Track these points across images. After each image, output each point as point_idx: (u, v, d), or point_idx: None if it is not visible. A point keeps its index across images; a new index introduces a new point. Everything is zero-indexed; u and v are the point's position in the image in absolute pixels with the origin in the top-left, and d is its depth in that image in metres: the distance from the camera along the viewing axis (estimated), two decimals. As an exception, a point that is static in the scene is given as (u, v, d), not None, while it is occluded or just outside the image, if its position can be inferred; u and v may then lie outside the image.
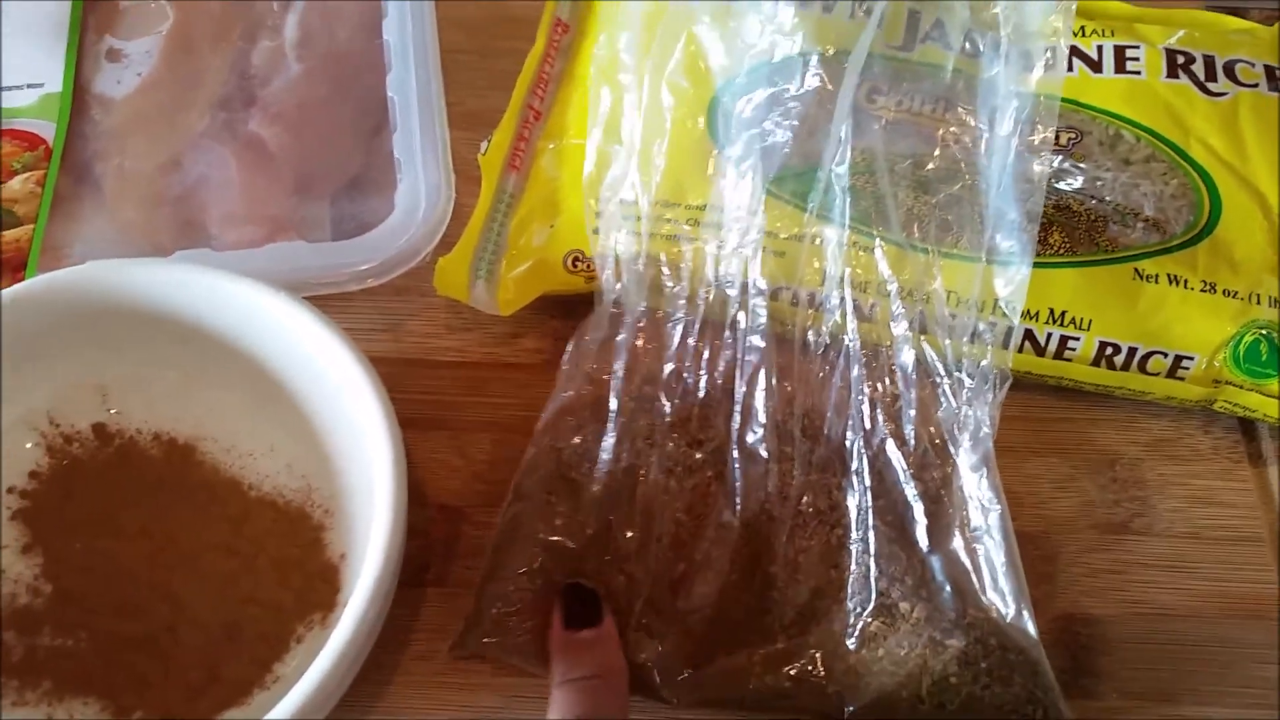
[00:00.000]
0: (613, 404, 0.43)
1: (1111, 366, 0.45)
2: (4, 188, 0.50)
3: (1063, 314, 0.45)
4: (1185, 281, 0.45)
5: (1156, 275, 0.45)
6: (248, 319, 0.42)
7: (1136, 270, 0.45)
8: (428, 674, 0.42)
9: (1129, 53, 0.49)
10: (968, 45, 0.46)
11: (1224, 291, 0.45)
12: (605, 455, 0.43)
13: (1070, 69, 0.48)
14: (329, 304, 0.44)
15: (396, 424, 0.39)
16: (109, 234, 0.49)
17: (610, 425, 0.43)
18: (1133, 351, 0.45)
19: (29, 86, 0.53)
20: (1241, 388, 0.45)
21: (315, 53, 0.53)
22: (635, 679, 0.40)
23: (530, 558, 0.41)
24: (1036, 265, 0.44)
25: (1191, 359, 0.45)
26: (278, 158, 0.50)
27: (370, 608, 0.36)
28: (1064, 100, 0.45)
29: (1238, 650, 0.43)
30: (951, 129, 0.45)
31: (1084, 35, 0.49)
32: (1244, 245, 0.45)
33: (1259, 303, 0.45)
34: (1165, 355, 0.45)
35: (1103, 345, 0.45)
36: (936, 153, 0.45)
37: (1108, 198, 0.46)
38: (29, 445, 0.44)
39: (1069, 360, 0.46)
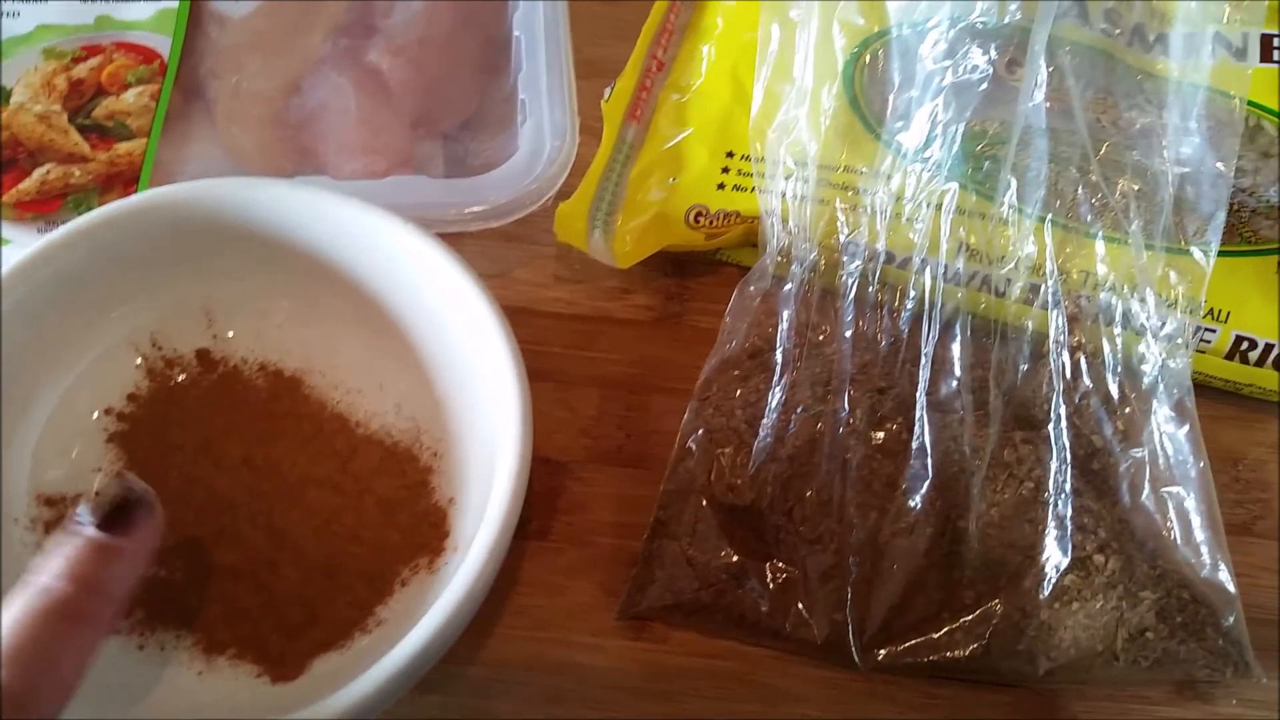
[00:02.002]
0: (780, 354, 0.42)
1: (1245, 361, 0.44)
2: (119, 100, 0.49)
3: (1202, 304, 0.43)
4: (1329, 279, 0.44)
5: (1300, 270, 0.44)
6: (371, 250, 0.41)
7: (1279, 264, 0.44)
8: (526, 628, 0.41)
9: (1276, 42, 0.47)
10: (1135, 29, 0.45)
11: (1369, 291, 0.44)
12: (778, 406, 0.41)
13: (1215, 57, 0.46)
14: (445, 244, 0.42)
15: (524, 371, 0.38)
16: (219, 155, 0.49)
17: (779, 375, 0.42)
18: (1269, 348, 0.44)
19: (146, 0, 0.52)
20: (1376, 393, 0.44)
21: (438, -14, 0.52)
22: (827, 643, 0.39)
23: (701, 514, 0.40)
24: (1176, 252, 0.43)
25: (1330, 360, 0.44)
26: (396, 91, 0.49)
27: (493, 553, 0.35)
28: (1215, 89, 0.44)
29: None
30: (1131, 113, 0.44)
31: (1231, 22, 0.48)
32: (1388, 244, 0.44)
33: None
34: (1303, 354, 0.44)
35: (1239, 339, 0.44)
36: (1116, 138, 0.43)
37: (1248, 188, 0.45)
38: (131, 365, 0.43)
39: (1203, 353, 0.44)
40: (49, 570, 0.30)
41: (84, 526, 0.31)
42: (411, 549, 0.40)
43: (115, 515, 0.32)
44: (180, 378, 0.43)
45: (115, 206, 0.40)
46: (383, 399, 0.43)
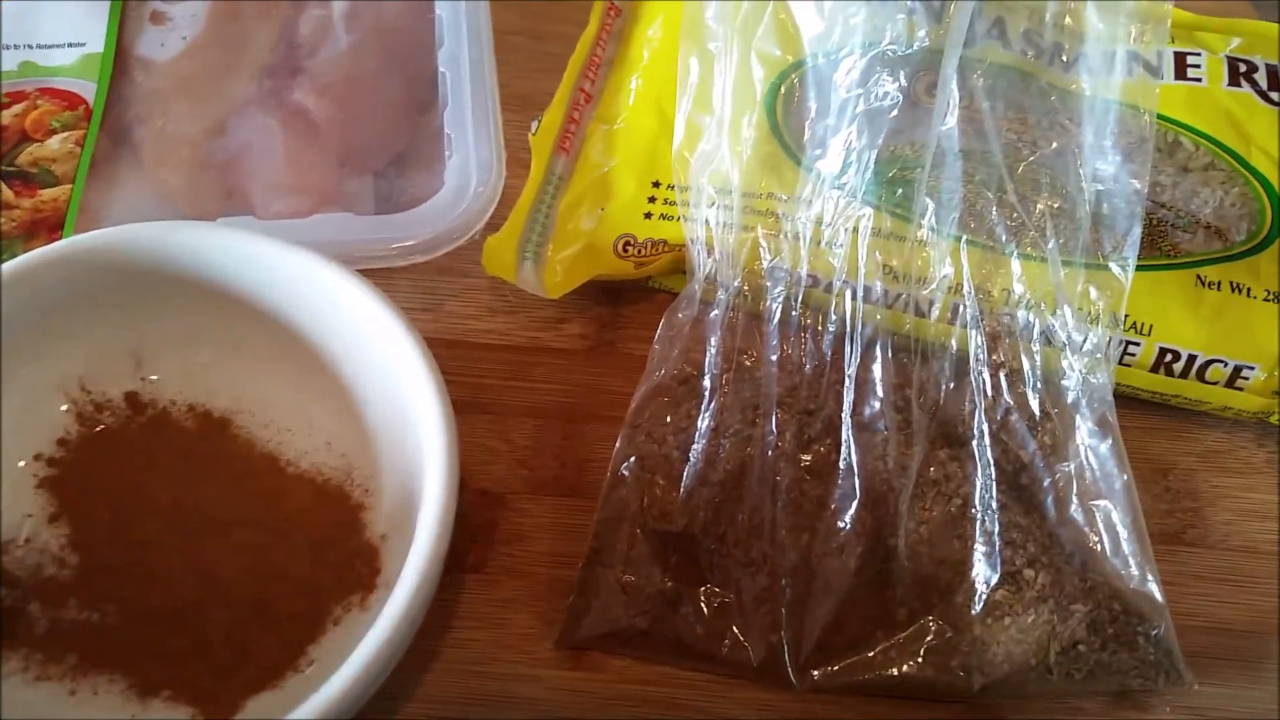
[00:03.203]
0: (708, 380, 0.42)
1: (1170, 374, 0.45)
2: (43, 146, 0.49)
3: (1124, 319, 0.44)
4: (1248, 290, 0.44)
5: (1219, 282, 0.45)
6: (296, 289, 0.41)
7: (1199, 276, 0.45)
8: (465, 662, 0.41)
9: (1190, 59, 0.48)
10: (1054, 49, 0.46)
11: (1287, 301, 0.44)
12: (708, 431, 0.41)
13: (1132, 74, 0.47)
14: (369, 280, 0.42)
15: (449, 402, 0.38)
16: (146, 198, 0.48)
17: (708, 400, 0.42)
18: (1192, 359, 0.44)
19: (70, 45, 0.52)
20: (1301, 401, 0.44)
21: (364, 25, 0.52)
22: (763, 665, 0.39)
23: (634, 541, 0.40)
24: (1095, 268, 0.43)
25: (1252, 369, 0.44)
26: (323, 129, 0.49)
27: (420, 589, 0.35)
28: (1128, 105, 0.45)
29: (1296, 667, 0.42)
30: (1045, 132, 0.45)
31: (1142, 41, 0.49)
32: (1308, 255, 0.45)
33: (1323, 313, 0.44)
34: (1225, 364, 0.44)
35: (1163, 351, 0.44)
36: (1032, 157, 0.44)
37: (1167, 203, 0.46)
38: (59, 410, 0.42)
39: (1128, 366, 0.45)
40: None
41: None
42: (344, 587, 0.40)
43: None
44: (110, 421, 0.43)
45: (38, 254, 0.40)
46: (313, 437, 0.43)
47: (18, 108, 0.50)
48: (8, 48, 0.52)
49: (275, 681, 0.38)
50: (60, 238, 0.46)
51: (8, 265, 0.39)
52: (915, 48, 0.44)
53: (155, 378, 0.43)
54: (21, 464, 0.41)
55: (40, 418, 0.42)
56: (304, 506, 0.41)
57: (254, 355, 0.43)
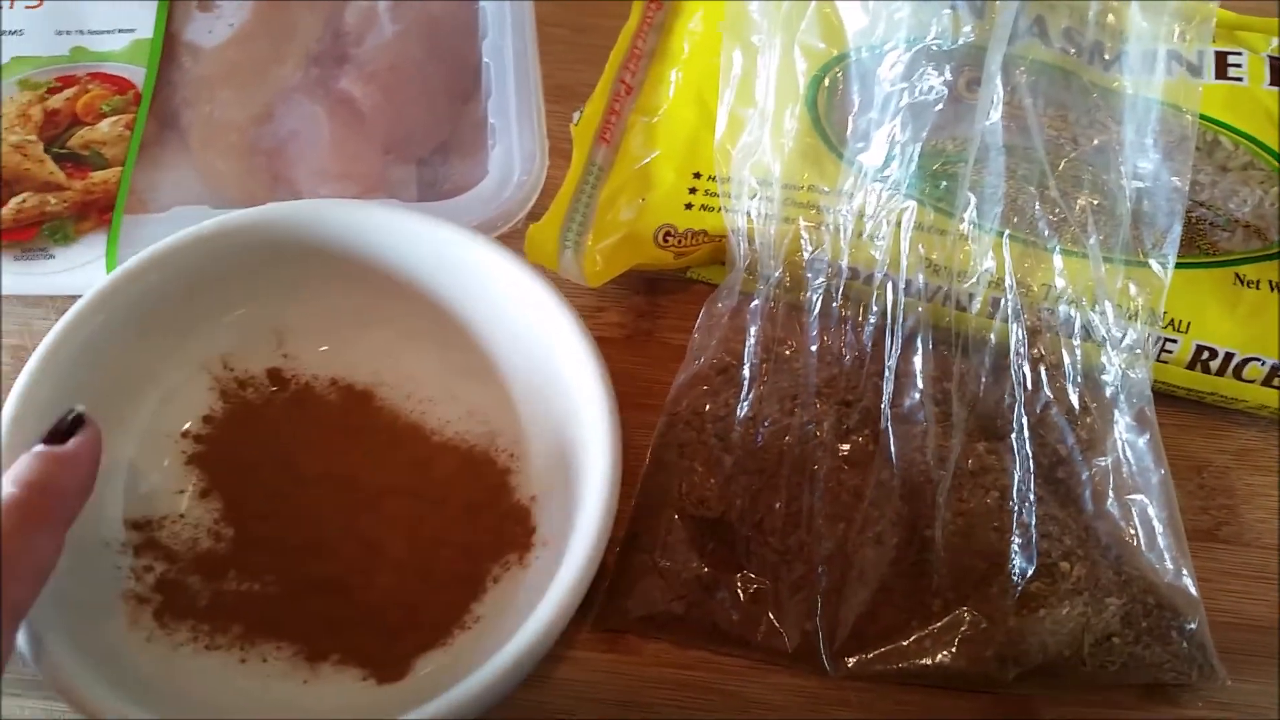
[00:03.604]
0: (747, 369, 0.43)
1: (1207, 371, 0.45)
2: (94, 129, 0.49)
3: (1163, 315, 0.44)
4: (1287, 289, 0.45)
5: (1257, 281, 0.45)
6: (437, 264, 0.42)
7: (1237, 275, 0.45)
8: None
9: (1230, 59, 0.48)
10: (1095, 48, 0.46)
11: (1325, 301, 0.44)
12: (745, 419, 0.42)
13: (1172, 74, 0.47)
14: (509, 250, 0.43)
15: (603, 361, 0.39)
16: (194, 182, 0.49)
17: (747, 389, 0.42)
18: (1229, 357, 0.44)
19: (120, 31, 0.52)
20: (1336, 400, 0.45)
21: (409, 15, 0.53)
22: (798, 651, 0.39)
23: (672, 527, 0.41)
24: (1135, 265, 0.43)
25: (1288, 368, 0.44)
26: (369, 117, 0.50)
27: (596, 548, 0.36)
28: (1169, 104, 0.45)
29: (1328, 665, 0.42)
30: (1087, 129, 0.45)
31: (1184, 40, 0.49)
32: (1346, 256, 0.45)
33: (1359, 313, 0.44)
34: (1262, 363, 0.44)
35: (1200, 349, 0.44)
36: (1074, 153, 0.44)
37: (1206, 201, 0.46)
38: (204, 387, 0.43)
39: (1165, 363, 0.45)
40: (15, 475, 0.33)
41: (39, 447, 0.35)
42: (500, 547, 0.41)
43: (60, 434, 0.35)
44: (253, 397, 0.44)
45: (184, 234, 0.41)
46: (454, 406, 0.44)
47: (69, 92, 0.51)
48: (59, 33, 0.53)
49: (444, 640, 0.39)
50: (110, 219, 0.47)
51: (153, 247, 0.41)
52: (960, 43, 0.44)
53: (299, 353, 0.45)
54: (174, 440, 0.42)
55: (187, 395, 0.43)
56: (452, 473, 0.42)
57: (393, 330, 0.45)
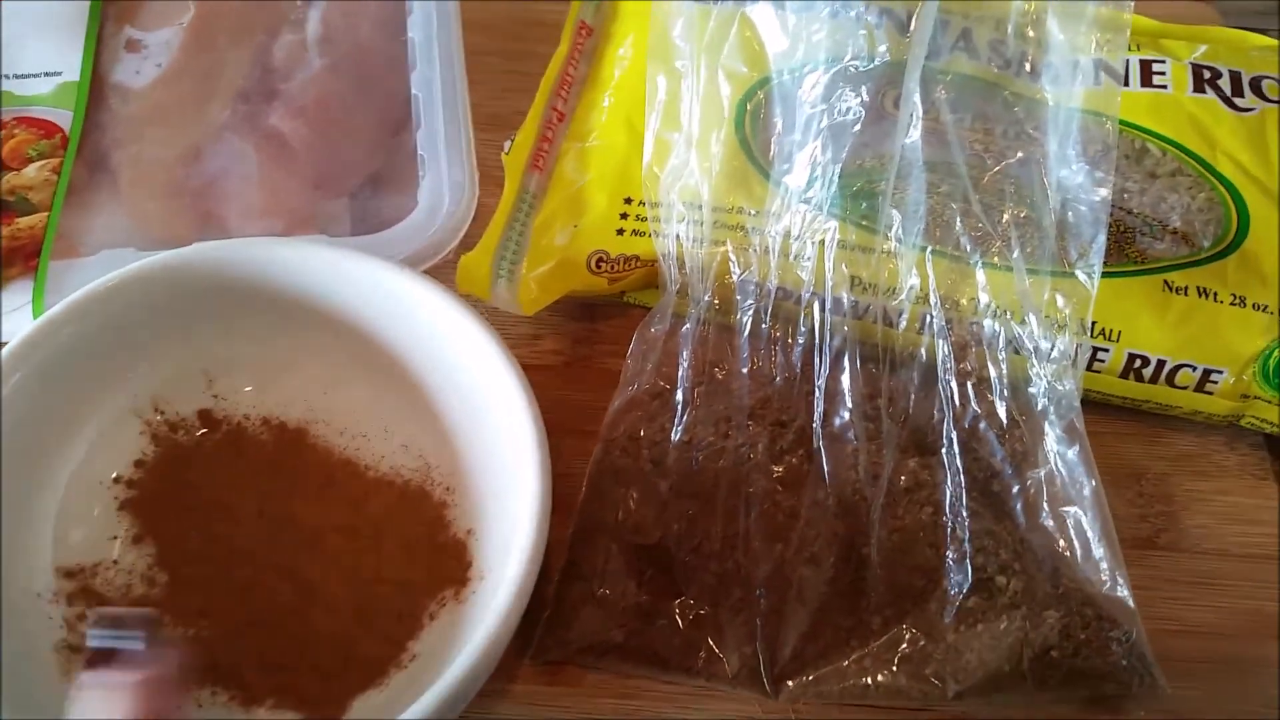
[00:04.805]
0: (680, 393, 0.43)
1: (1140, 379, 0.45)
2: (20, 175, 0.49)
3: (1092, 325, 0.44)
4: (1215, 294, 0.45)
5: (1186, 288, 0.45)
6: (364, 298, 0.42)
7: (1166, 282, 0.45)
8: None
9: (1155, 67, 0.49)
10: (1020, 59, 0.46)
11: (1254, 305, 0.45)
12: (680, 443, 0.42)
13: (1097, 82, 0.48)
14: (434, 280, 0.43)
15: (533, 395, 0.39)
16: (123, 224, 0.49)
17: (681, 414, 0.43)
18: (1161, 364, 0.45)
19: (46, 75, 0.52)
20: (1270, 403, 0.45)
21: (337, 49, 0.52)
22: (739, 676, 0.39)
23: (610, 554, 0.41)
24: (1061, 276, 0.44)
25: (1220, 373, 0.45)
26: (298, 152, 0.50)
27: (525, 578, 0.36)
28: (1091, 113, 0.45)
29: (1268, 669, 0.42)
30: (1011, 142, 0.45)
31: (1103, 49, 0.49)
32: (1273, 259, 0.45)
33: (1289, 317, 0.45)
34: (1194, 369, 0.45)
35: (1132, 357, 0.45)
36: (997, 167, 0.45)
37: (1135, 209, 0.46)
38: (135, 432, 0.43)
39: (1098, 372, 0.45)
40: None
41: (108, 676, 0.31)
42: (436, 583, 0.41)
43: (123, 649, 0.31)
44: (184, 439, 0.43)
45: (110, 278, 0.40)
46: (388, 441, 0.44)
47: (-6, 137, 0.50)
48: (-15, 78, 0.52)
49: (379, 679, 0.39)
50: (36, 265, 0.46)
51: (76, 294, 0.40)
52: (877, 62, 0.44)
53: (229, 393, 0.44)
54: (106, 486, 0.42)
55: (117, 440, 0.42)
56: (388, 509, 0.42)
57: (324, 366, 0.44)
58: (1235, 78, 0.49)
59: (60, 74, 0.52)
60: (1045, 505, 0.41)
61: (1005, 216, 0.44)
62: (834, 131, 0.44)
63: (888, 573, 0.40)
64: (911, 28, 0.45)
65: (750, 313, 0.44)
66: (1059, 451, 0.42)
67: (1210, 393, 0.45)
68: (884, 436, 0.42)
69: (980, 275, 0.43)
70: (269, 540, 0.41)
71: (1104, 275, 0.44)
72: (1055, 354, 0.43)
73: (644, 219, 0.47)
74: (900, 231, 0.43)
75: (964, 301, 0.43)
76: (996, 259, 0.44)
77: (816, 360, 0.43)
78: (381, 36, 0.54)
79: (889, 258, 0.44)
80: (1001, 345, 0.43)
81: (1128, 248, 0.46)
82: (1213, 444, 0.47)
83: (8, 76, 0.52)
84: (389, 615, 0.40)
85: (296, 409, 0.44)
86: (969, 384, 0.42)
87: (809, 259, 0.44)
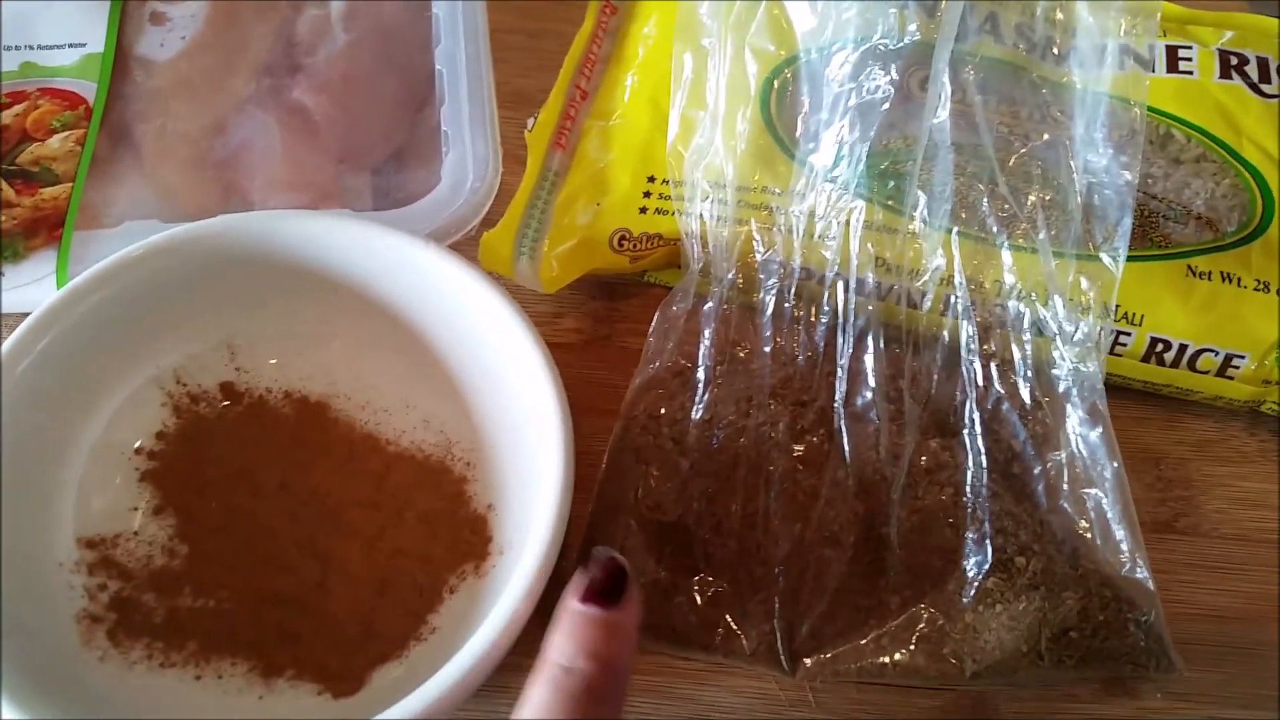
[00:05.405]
0: (702, 372, 0.43)
1: (1161, 363, 0.45)
2: (44, 145, 0.49)
3: (1115, 309, 0.44)
4: (1239, 280, 0.45)
5: (1210, 273, 0.45)
6: (386, 271, 0.42)
7: (1190, 267, 0.45)
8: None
9: (1181, 53, 0.49)
10: (1046, 43, 0.46)
11: (1277, 291, 0.45)
12: (701, 422, 0.42)
13: (1123, 68, 0.48)
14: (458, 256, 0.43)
15: (556, 370, 0.39)
16: (147, 196, 0.49)
17: (702, 392, 0.43)
18: (1183, 349, 0.45)
19: (71, 46, 0.52)
20: (1291, 389, 0.45)
21: (362, 24, 0.52)
22: (756, 653, 0.39)
23: (629, 531, 0.41)
24: (1086, 259, 0.44)
25: (1242, 358, 0.44)
26: (322, 127, 0.50)
27: (553, 544, 0.36)
28: (1118, 98, 0.45)
29: (1285, 654, 0.42)
30: (1037, 125, 0.45)
31: (1132, 34, 0.49)
32: (1297, 245, 0.45)
33: (1312, 303, 0.45)
34: (1216, 354, 0.45)
35: (1154, 341, 0.45)
36: (1024, 150, 0.44)
37: (1159, 194, 0.46)
38: (156, 403, 0.43)
39: (1119, 356, 0.45)
40: (565, 651, 0.31)
41: (585, 606, 0.32)
42: (456, 557, 0.41)
43: (609, 592, 0.33)
44: (206, 411, 0.43)
45: (134, 249, 0.40)
46: (409, 415, 0.44)
47: (19, 108, 0.50)
48: (9, 49, 0.52)
49: (399, 653, 0.39)
50: (60, 235, 0.46)
51: (102, 263, 0.40)
52: (907, 42, 0.44)
53: (251, 366, 0.44)
54: (128, 457, 0.42)
55: (139, 411, 0.43)
56: (408, 483, 0.42)
57: (346, 340, 0.44)
58: (1263, 64, 0.48)
59: (85, 45, 0.52)
60: (1066, 487, 0.41)
61: (1031, 199, 0.44)
62: (862, 110, 0.44)
63: (907, 553, 0.40)
64: (940, 9, 0.45)
65: (773, 292, 0.44)
66: (1081, 434, 0.42)
67: (1231, 378, 0.45)
68: (905, 417, 0.42)
69: (1006, 257, 0.43)
70: (289, 513, 0.41)
71: (1128, 259, 0.44)
72: (1079, 336, 0.43)
73: (667, 198, 0.47)
74: (926, 212, 0.43)
75: (988, 283, 0.43)
76: (1022, 241, 0.43)
77: (839, 340, 0.43)
78: (406, 12, 0.54)
79: (914, 238, 0.44)
80: (1026, 327, 0.43)
81: (1151, 232, 0.46)
82: (1232, 429, 0.47)
83: (32, 47, 0.52)
84: (409, 589, 0.40)
85: (318, 382, 0.44)
86: (992, 365, 0.42)
87: (834, 239, 0.44)
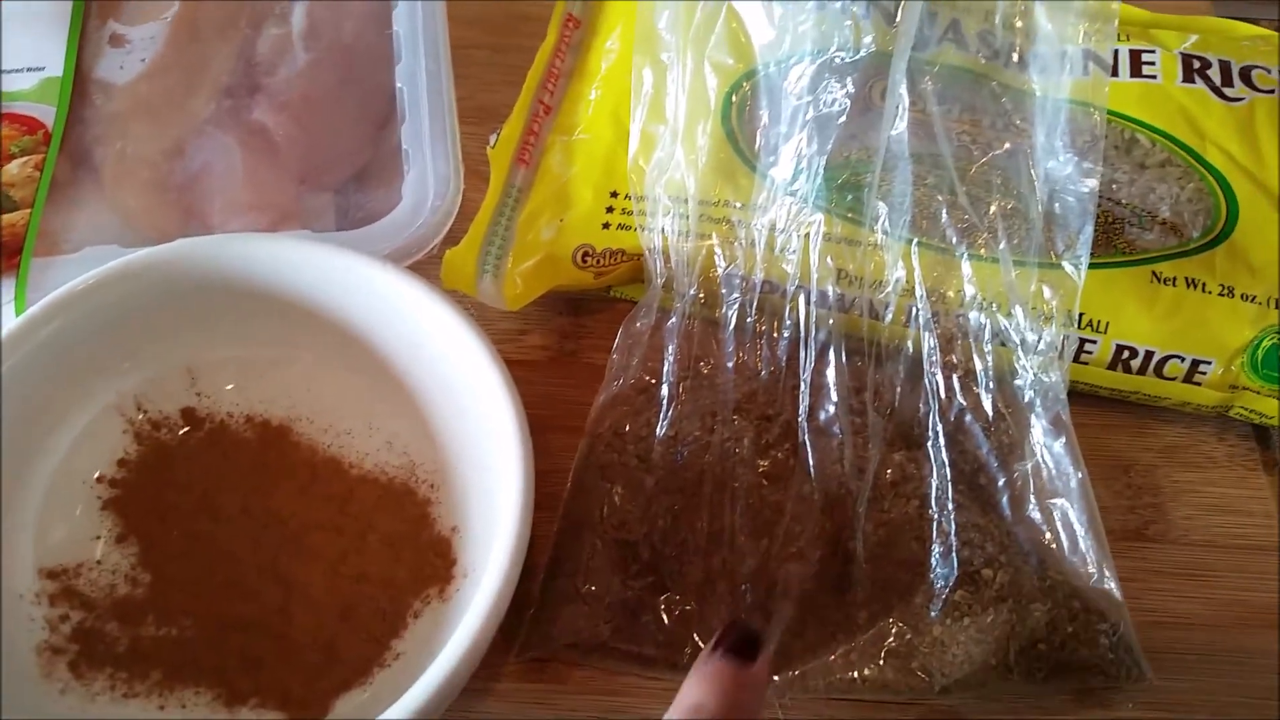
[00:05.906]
0: (666, 388, 0.43)
1: (1128, 370, 0.45)
2: (2, 171, 0.49)
3: (1080, 316, 0.44)
4: (1203, 285, 0.45)
5: (1174, 278, 0.45)
6: (347, 293, 0.42)
7: (1154, 273, 0.45)
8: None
9: (1144, 57, 0.49)
10: (1008, 49, 0.46)
11: (1242, 296, 0.45)
12: (666, 438, 0.42)
13: (1085, 73, 0.47)
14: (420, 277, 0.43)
15: (516, 391, 0.39)
16: (107, 220, 0.48)
17: (666, 408, 0.42)
18: (1149, 355, 0.45)
19: (29, 70, 0.52)
20: (1258, 393, 0.45)
21: (322, 43, 0.52)
22: None
23: (595, 551, 0.40)
24: (1048, 267, 0.43)
25: (1209, 364, 0.44)
26: (282, 147, 0.50)
27: (513, 567, 0.36)
28: (1079, 103, 0.45)
29: (1256, 660, 0.42)
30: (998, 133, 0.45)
31: (1091, 40, 0.49)
32: (1261, 250, 0.45)
33: (1277, 307, 0.44)
34: (1182, 360, 0.44)
35: (1120, 348, 0.45)
36: (984, 159, 0.44)
37: (1123, 200, 0.46)
38: (117, 431, 0.43)
39: (1085, 364, 0.45)
40: (701, 701, 0.32)
41: (722, 658, 0.33)
42: (420, 581, 0.40)
43: (744, 648, 0.33)
44: (167, 438, 0.43)
45: (91, 276, 0.40)
46: (373, 438, 0.44)
47: (-24, 134, 0.50)
48: (-34, 74, 0.52)
49: (363, 679, 0.39)
50: (19, 263, 0.46)
51: (60, 290, 0.40)
52: (862, 54, 0.44)
53: (212, 391, 0.44)
54: (89, 485, 0.42)
55: (99, 439, 0.42)
56: (372, 506, 0.42)
57: (308, 363, 0.44)
58: (1225, 67, 0.48)
59: (43, 69, 0.52)
60: (1032, 498, 0.41)
61: (992, 208, 0.44)
62: (819, 123, 0.44)
63: (874, 567, 0.40)
64: (898, 19, 0.44)
65: (735, 306, 0.44)
66: (1045, 444, 0.41)
67: (1199, 384, 0.45)
68: (870, 430, 0.42)
69: (966, 267, 0.43)
70: (252, 539, 0.41)
71: (1092, 266, 0.44)
72: (1042, 346, 0.43)
73: (629, 213, 0.47)
74: (886, 224, 0.43)
75: (950, 294, 0.43)
76: (983, 251, 0.43)
77: (802, 354, 0.43)
78: (367, 30, 0.53)
79: (875, 250, 0.43)
80: (988, 337, 0.43)
81: (1116, 239, 0.45)
82: (1201, 435, 0.47)
83: (-11, 74, 0.52)
84: (373, 613, 0.40)
85: (280, 406, 0.44)
86: (955, 377, 0.42)
87: (794, 252, 0.44)
